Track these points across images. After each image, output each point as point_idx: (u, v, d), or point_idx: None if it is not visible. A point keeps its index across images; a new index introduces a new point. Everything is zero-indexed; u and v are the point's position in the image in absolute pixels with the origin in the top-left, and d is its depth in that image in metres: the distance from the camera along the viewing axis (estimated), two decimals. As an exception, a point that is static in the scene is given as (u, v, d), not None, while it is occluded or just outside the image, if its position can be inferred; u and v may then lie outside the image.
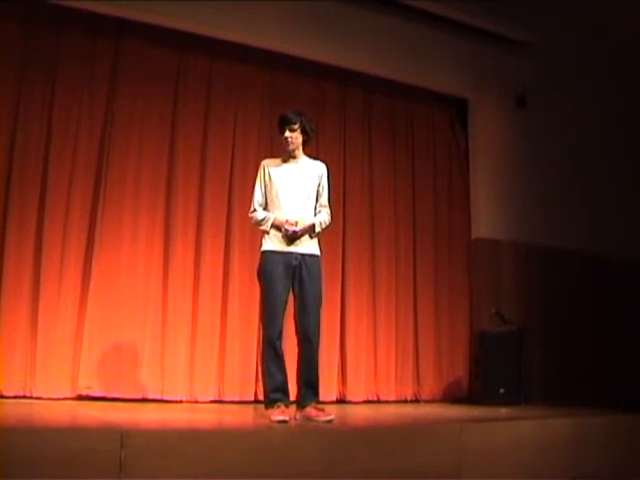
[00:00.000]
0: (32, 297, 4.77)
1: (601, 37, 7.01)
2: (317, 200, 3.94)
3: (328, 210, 3.97)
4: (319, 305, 3.81)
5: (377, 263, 6.10)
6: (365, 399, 5.80)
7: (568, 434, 4.05)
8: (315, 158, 4.07)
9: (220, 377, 5.26)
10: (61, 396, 4.71)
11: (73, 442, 2.56)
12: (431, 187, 6.55)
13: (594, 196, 7.10)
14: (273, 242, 3.80)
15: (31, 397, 4.62)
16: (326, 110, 6.14)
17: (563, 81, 7.03)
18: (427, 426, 3.87)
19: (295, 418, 3.67)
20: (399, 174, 6.41)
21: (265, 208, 3.90)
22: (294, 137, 3.86)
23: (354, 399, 5.72)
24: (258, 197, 3.91)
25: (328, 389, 5.43)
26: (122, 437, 2.61)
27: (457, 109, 6.83)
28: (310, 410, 3.70)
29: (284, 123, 3.86)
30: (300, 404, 3.75)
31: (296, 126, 3.85)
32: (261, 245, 3.86)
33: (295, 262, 3.76)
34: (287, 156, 3.94)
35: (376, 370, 5.91)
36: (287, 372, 3.74)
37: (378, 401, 5.85)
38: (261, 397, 4.34)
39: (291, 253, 3.77)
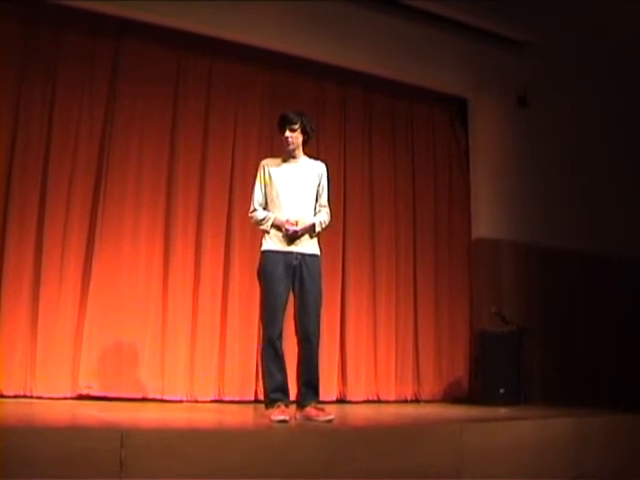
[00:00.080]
0: (32, 297, 4.77)
1: (601, 37, 7.01)
2: (317, 200, 3.94)
3: (328, 210, 3.97)
4: (319, 305, 3.81)
5: (377, 263, 6.11)
6: (365, 399, 5.80)
7: (568, 434, 4.05)
8: (315, 158, 4.07)
9: (220, 377, 5.26)
10: (61, 396, 4.71)
11: (73, 442, 2.56)
12: (431, 187, 6.55)
13: (594, 196, 7.10)
14: (273, 242, 3.80)
15: (31, 396, 4.62)
16: (326, 110, 6.14)
17: (563, 81, 7.03)
18: (427, 426, 3.88)
19: (295, 418, 3.67)
20: (399, 174, 6.41)
21: (265, 208, 3.90)
22: (294, 137, 3.86)
23: (354, 399, 5.72)
24: (258, 197, 3.91)
25: (328, 389, 5.43)
26: (122, 437, 2.61)
27: (457, 109, 6.83)
28: (310, 410, 3.70)
29: (284, 123, 3.86)
30: (300, 404, 3.76)
31: (296, 126, 3.85)
32: (261, 245, 3.86)
33: (295, 262, 3.76)
34: (287, 156, 3.94)
35: (376, 370, 5.91)
36: (287, 372, 3.74)
37: (378, 401, 5.85)
38: (261, 397, 4.35)
39: (291, 253, 3.77)
